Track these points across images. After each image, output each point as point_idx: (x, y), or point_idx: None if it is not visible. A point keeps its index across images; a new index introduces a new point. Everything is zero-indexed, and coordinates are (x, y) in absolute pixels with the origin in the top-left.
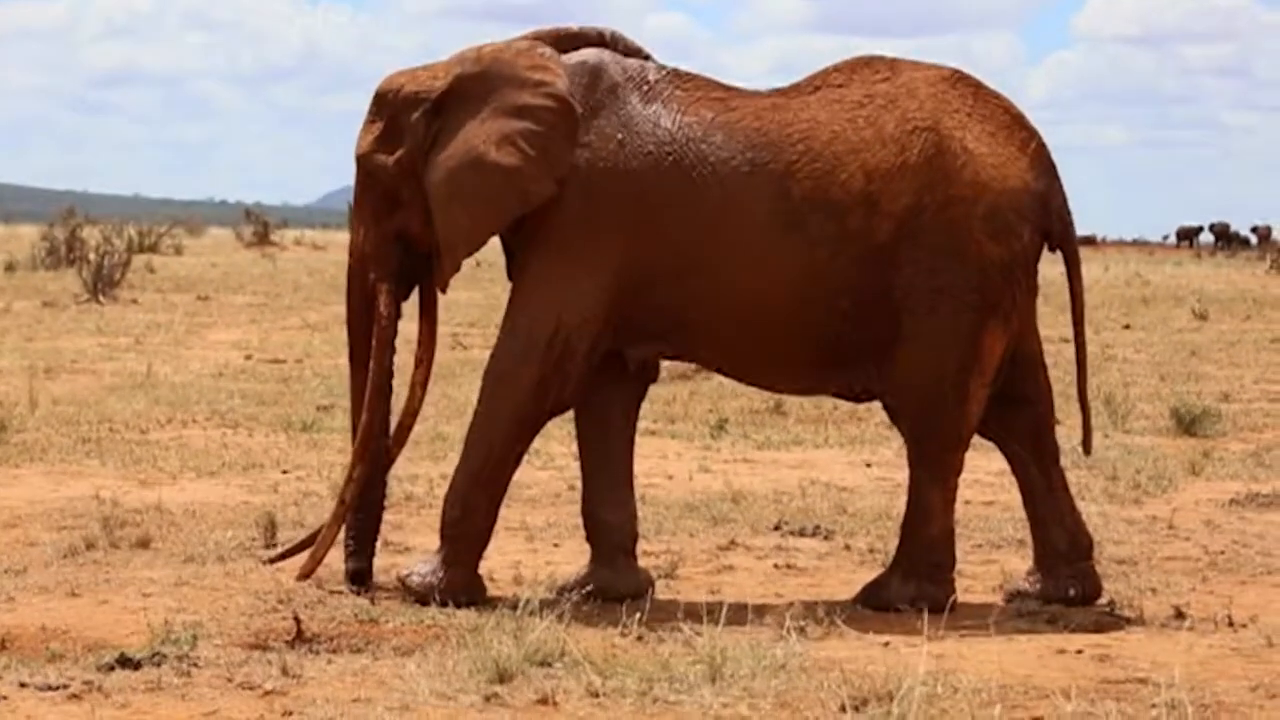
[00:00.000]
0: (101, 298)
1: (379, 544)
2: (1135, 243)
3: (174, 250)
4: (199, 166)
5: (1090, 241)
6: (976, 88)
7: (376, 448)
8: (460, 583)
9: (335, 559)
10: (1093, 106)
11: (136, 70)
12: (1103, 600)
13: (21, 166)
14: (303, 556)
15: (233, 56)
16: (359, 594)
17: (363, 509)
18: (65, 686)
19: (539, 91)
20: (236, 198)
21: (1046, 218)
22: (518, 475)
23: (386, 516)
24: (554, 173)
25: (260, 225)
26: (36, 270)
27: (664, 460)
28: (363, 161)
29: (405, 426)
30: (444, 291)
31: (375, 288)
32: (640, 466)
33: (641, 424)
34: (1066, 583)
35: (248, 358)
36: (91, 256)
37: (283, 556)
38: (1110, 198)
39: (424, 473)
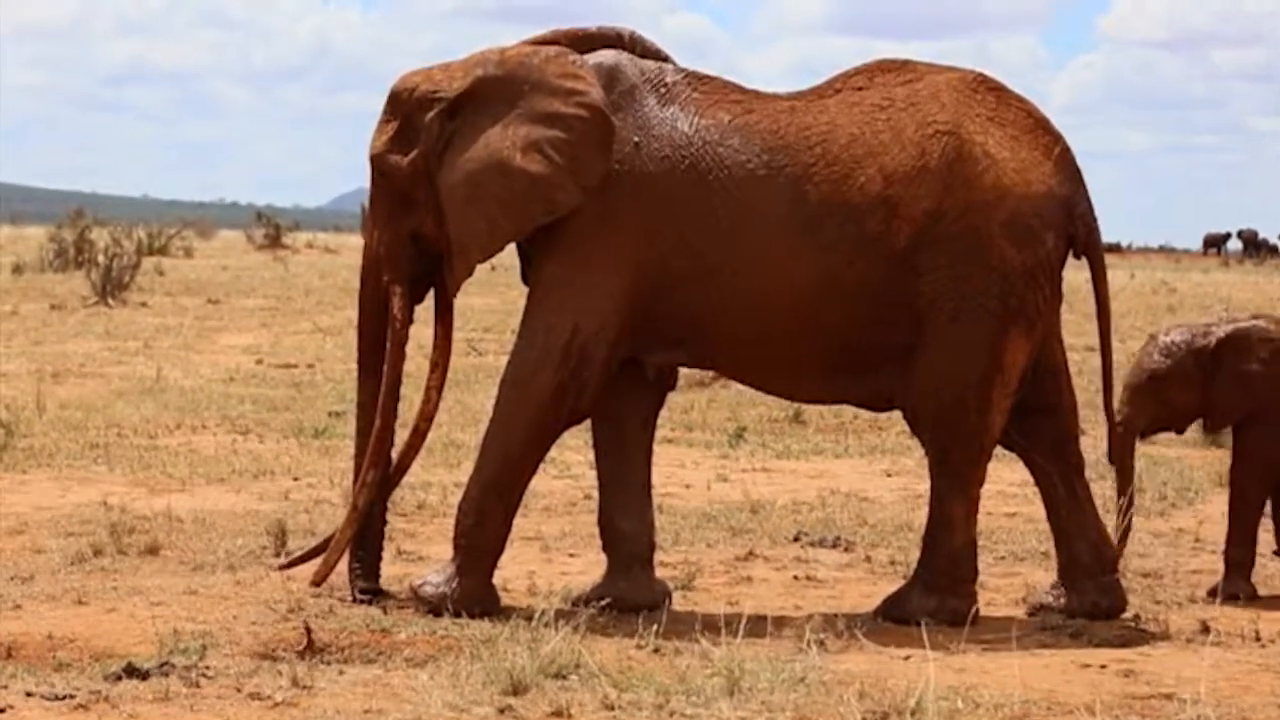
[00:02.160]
0: (110, 300)
1: (393, 552)
2: (1161, 250)
3: (184, 253)
4: (210, 167)
5: (1116, 249)
6: (1000, 91)
7: (389, 453)
8: (474, 593)
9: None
10: (1118, 111)
11: (147, 69)
12: (1128, 614)
13: (29, 166)
14: (314, 564)
15: (244, 55)
16: (371, 604)
17: (366, 528)
18: (72, 696)
19: (571, 100)
20: (248, 199)
21: (1071, 223)
22: (533, 484)
23: (400, 524)
24: (582, 182)
25: (272, 227)
26: (44, 272)
27: (682, 469)
28: (376, 162)
29: (420, 432)
30: (453, 296)
31: (389, 290)
32: (658, 475)
33: (659, 432)
34: (1091, 596)
35: (259, 362)
36: (100, 258)
37: (294, 563)
38: (1136, 204)
39: (438, 480)
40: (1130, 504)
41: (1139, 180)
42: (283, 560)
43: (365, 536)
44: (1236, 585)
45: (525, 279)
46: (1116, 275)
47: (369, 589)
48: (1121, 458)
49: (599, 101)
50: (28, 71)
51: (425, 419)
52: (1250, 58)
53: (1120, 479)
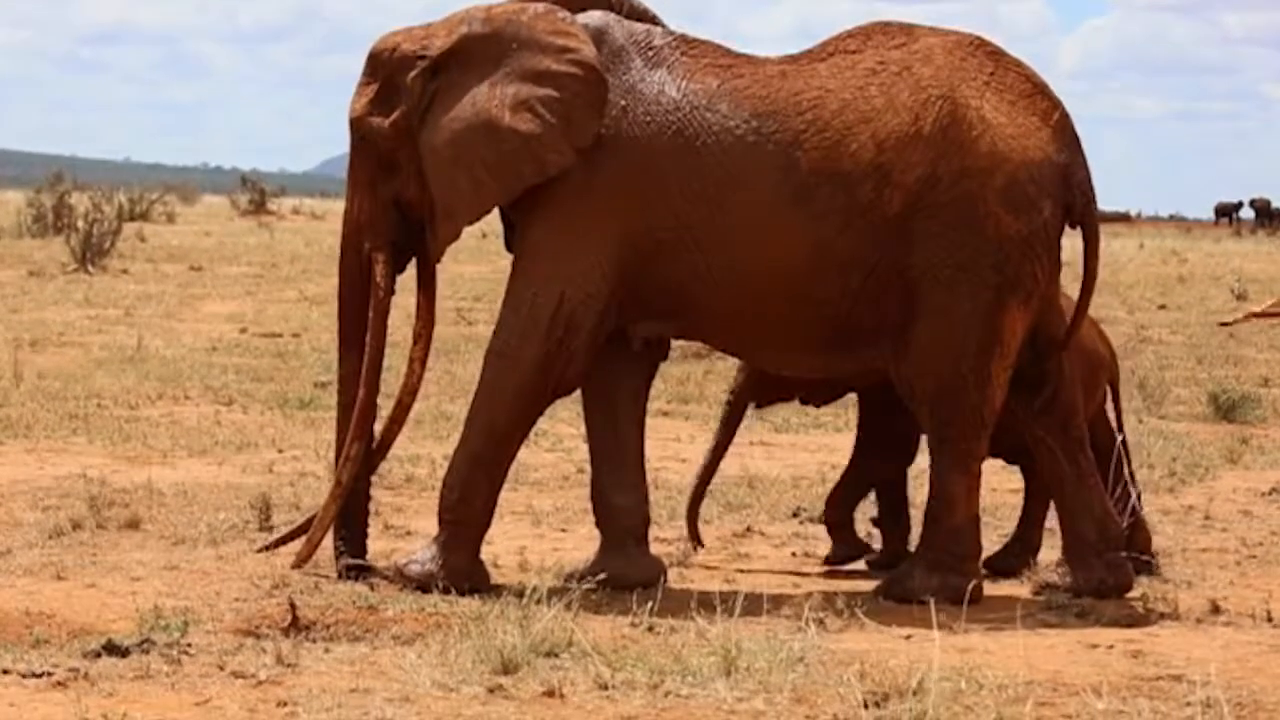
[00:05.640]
0: (90, 267)
1: (380, 526)
2: (1172, 219)
3: (166, 218)
4: (193, 130)
5: (1125, 218)
6: (997, 55)
7: (372, 425)
8: (462, 569)
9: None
10: (1127, 76)
11: (128, 28)
12: (1135, 593)
13: (6, 128)
14: (298, 542)
15: (229, 14)
16: (357, 580)
17: (351, 502)
18: (50, 674)
19: (564, 58)
20: (232, 163)
21: (1068, 192)
22: (524, 458)
23: (388, 498)
24: (575, 143)
25: (256, 193)
26: (22, 238)
27: (677, 443)
28: (357, 125)
29: (405, 405)
30: (437, 261)
31: (371, 257)
32: (652, 449)
33: (654, 405)
34: (1097, 574)
35: (242, 331)
36: (80, 224)
37: (277, 544)
38: (1146, 172)
39: (426, 453)
40: (711, 469)
41: (1149, 148)
42: (266, 541)
43: (350, 511)
44: (842, 550)
45: (509, 246)
46: (1126, 245)
47: (355, 565)
48: (721, 429)
49: (592, 59)
50: (7, 30)
51: (409, 392)
52: (1264, 22)
53: (714, 449)
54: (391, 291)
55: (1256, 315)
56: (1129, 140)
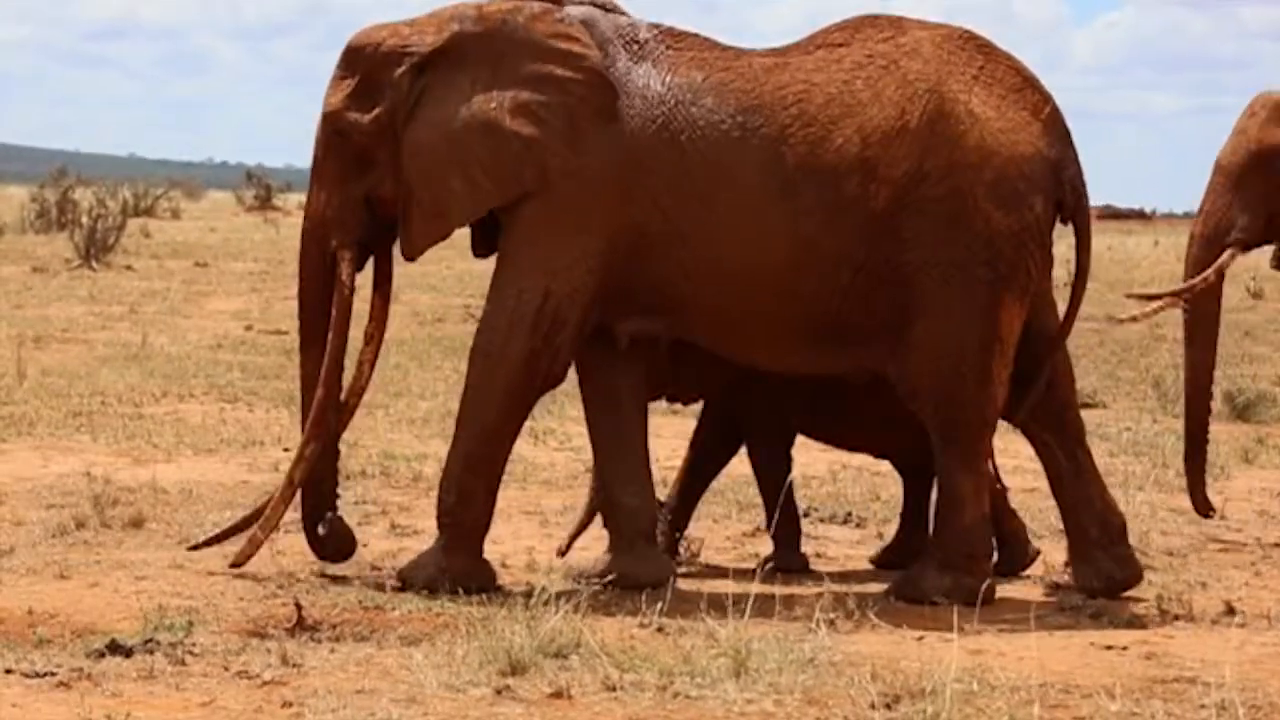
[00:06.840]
0: (94, 263)
1: (387, 525)
2: (1187, 216)
3: (171, 214)
4: (198, 126)
5: (1141, 215)
6: (987, 49)
7: (330, 424)
8: (465, 570)
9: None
10: (1143, 72)
11: (133, 23)
12: (1149, 594)
13: (10, 124)
14: (240, 540)
15: (233, 9)
16: (360, 555)
17: (315, 484)
18: (53, 674)
19: (569, 64)
20: (237, 159)
21: (1059, 187)
22: (532, 456)
23: (394, 498)
24: (578, 149)
25: (262, 188)
26: (25, 234)
27: (686, 441)
28: (331, 120)
29: (350, 407)
30: (412, 259)
31: (337, 254)
32: (661, 449)
33: (661, 403)
34: (1105, 569)
35: (248, 328)
36: (84, 220)
37: (210, 542)
38: (1161, 169)
39: (434, 452)
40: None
41: (1164, 144)
42: (197, 540)
43: (314, 504)
44: (788, 558)
45: (475, 250)
46: (1141, 242)
47: (330, 531)
48: None
49: (599, 64)
50: (11, 25)
51: (356, 393)
52: (1279, 15)
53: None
54: (354, 289)
55: (1153, 297)
56: (1144, 136)
